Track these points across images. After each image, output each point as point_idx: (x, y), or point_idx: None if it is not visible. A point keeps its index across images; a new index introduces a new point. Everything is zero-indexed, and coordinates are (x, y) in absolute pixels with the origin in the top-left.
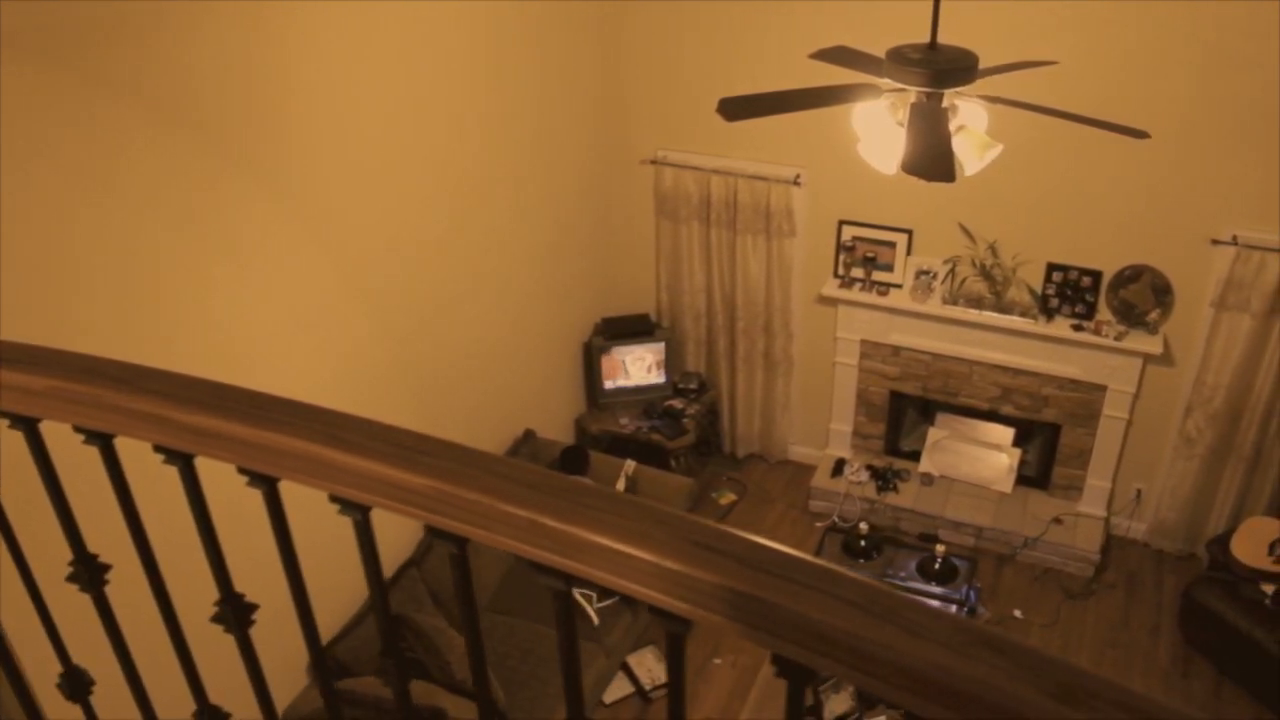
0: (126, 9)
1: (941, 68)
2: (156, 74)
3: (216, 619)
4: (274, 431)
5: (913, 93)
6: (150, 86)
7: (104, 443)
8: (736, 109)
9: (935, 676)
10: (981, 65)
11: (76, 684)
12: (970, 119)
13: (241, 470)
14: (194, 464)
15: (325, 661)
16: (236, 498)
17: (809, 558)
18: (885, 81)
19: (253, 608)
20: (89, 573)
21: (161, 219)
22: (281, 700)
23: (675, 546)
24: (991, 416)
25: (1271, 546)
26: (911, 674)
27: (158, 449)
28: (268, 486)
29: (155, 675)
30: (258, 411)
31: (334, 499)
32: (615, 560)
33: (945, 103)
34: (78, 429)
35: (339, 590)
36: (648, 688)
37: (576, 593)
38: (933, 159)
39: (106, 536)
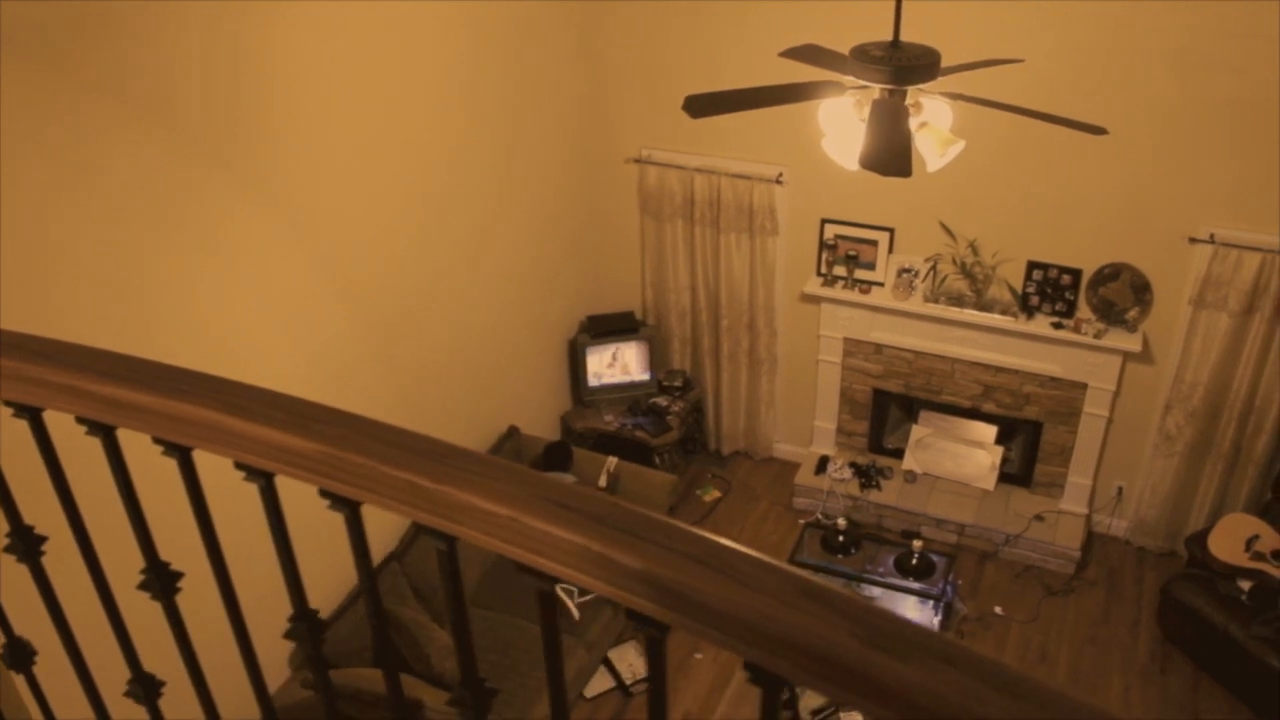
0: (108, 9)
1: (903, 65)
2: (138, 73)
3: (142, 586)
4: (181, 401)
5: (876, 89)
6: (132, 86)
7: (32, 416)
8: (702, 106)
9: (764, 626)
10: (954, 64)
11: (18, 655)
12: (934, 116)
13: (156, 440)
14: (115, 436)
15: (319, 639)
16: (236, 490)
17: (658, 516)
18: (850, 79)
19: (177, 575)
20: (26, 545)
21: (144, 216)
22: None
23: (535, 505)
24: (974, 414)
25: (1248, 543)
26: (743, 623)
27: (79, 420)
28: (181, 456)
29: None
30: (167, 382)
31: (239, 466)
32: (484, 519)
33: (910, 100)
34: (7, 403)
35: (321, 583)
36: (629, 682)
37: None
38: (891, 155)
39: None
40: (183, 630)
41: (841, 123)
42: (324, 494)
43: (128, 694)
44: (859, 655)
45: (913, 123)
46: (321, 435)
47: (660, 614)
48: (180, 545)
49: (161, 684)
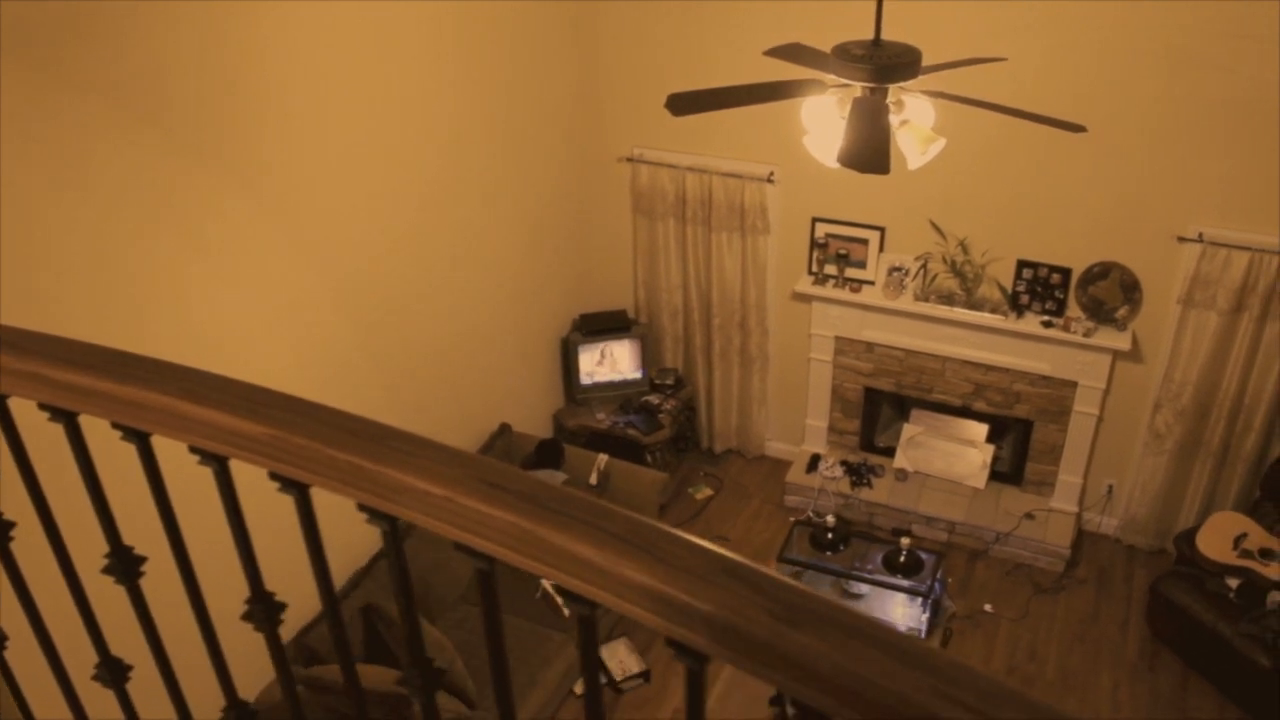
0: (99, 8)
1: (884, 63)
2: (129, 71)
3: (106, 570)
4: (138, 387)
5: (858, 88)
6: (123, 84)
7: None
8: (684, 104)
9: (682, 602)
10: (939, 62)
11: None
12: (916, 114)
13: (114, 425)
14: (77, 422)
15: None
16: (266, 500)
17: (587, 497)
18: (831, 77)
19: (140, 560)
20: None
21: (135, 214)
22: (251, 689)
23: (469, 485)
24: (965, 413)
25: (1236, 541)
26: (663, 599)
27: (42, 407)
28: (140, 441)
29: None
30: (124, 369)
31: (193, 450)
32: (422, 500)
33: (892, 98)
34: None
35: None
36: (619, 679)
37: (547, 584)
38: (869, 152)
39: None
40: (147, 614)
41: (823, 120)
42: (273, 476)
43: (95, 678)
44: (771, 629)
45: (894, 120)
46: (268, 419)
47: (587, 590)
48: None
49: (129, 668)
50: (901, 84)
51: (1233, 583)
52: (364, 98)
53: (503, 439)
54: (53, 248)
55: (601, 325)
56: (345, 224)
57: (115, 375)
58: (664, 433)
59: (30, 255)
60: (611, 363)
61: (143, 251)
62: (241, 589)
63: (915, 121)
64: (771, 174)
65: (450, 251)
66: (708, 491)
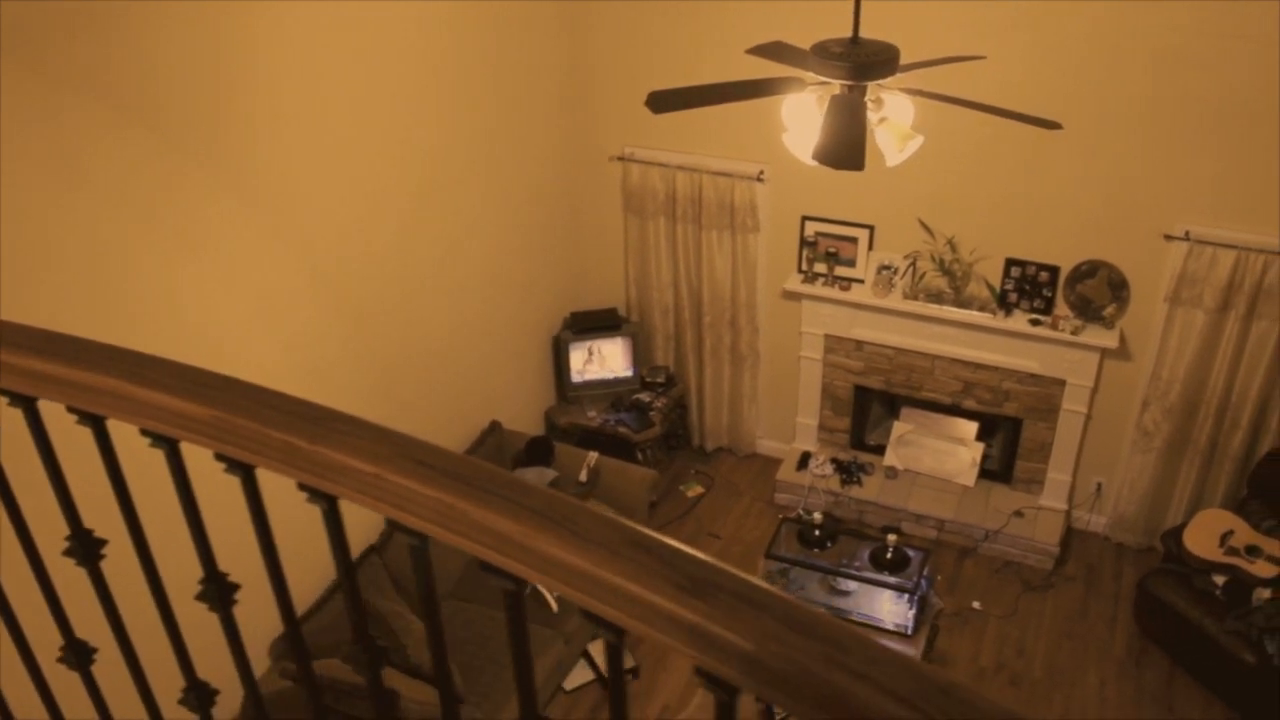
0: (89, 8)
1: (862, 61)
2: (120, 71)
3: (67, 553)
4: (88, 371)
5: (837, 85)
6: (113, 83)
7: None
8: (664, 102)
9: (595, 575)
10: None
11: None
12: (895, 112)
13: (70, 410)
14: (36, 407)
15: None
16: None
17: (509, 474)
18: (811, 75)
19: (102, 542)
20: None
21: (126, 213)
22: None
23: (398, 463)
24: (954, 411)
25: (1223, 539)
26: (576, 572)
27: (1, 392)
28: (95, 425)
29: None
30: (78, 354)
31: (144, 432)
32: (355, 477)
33: (871, 96)
34: None
35: (303, 574)
36: (609, 675)
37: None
38: (844, 148)
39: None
40: (108, 596)
41: (803, 118)
42: (219, 457)
43: (61, 660)
44: (676, 599)
45: (873, 118)
46: (211, 400)
47: (506, 564)
48: (154, 527)
49: (93, 650)
50: (880, 82)
51: (1219, 580)
52: (355, 96)
53: (493, 436)
54: (45, 247)
55: (593, 323)
56: (336, 222)
57: (67, 359)
58: (654, 430)
59: (23, 254)
60: (602, 360)
61: (135, 250)
62: (234, 578)
63: (894, 119)
64: (761, 173)
65: (441, 250)
66: (699, 489)
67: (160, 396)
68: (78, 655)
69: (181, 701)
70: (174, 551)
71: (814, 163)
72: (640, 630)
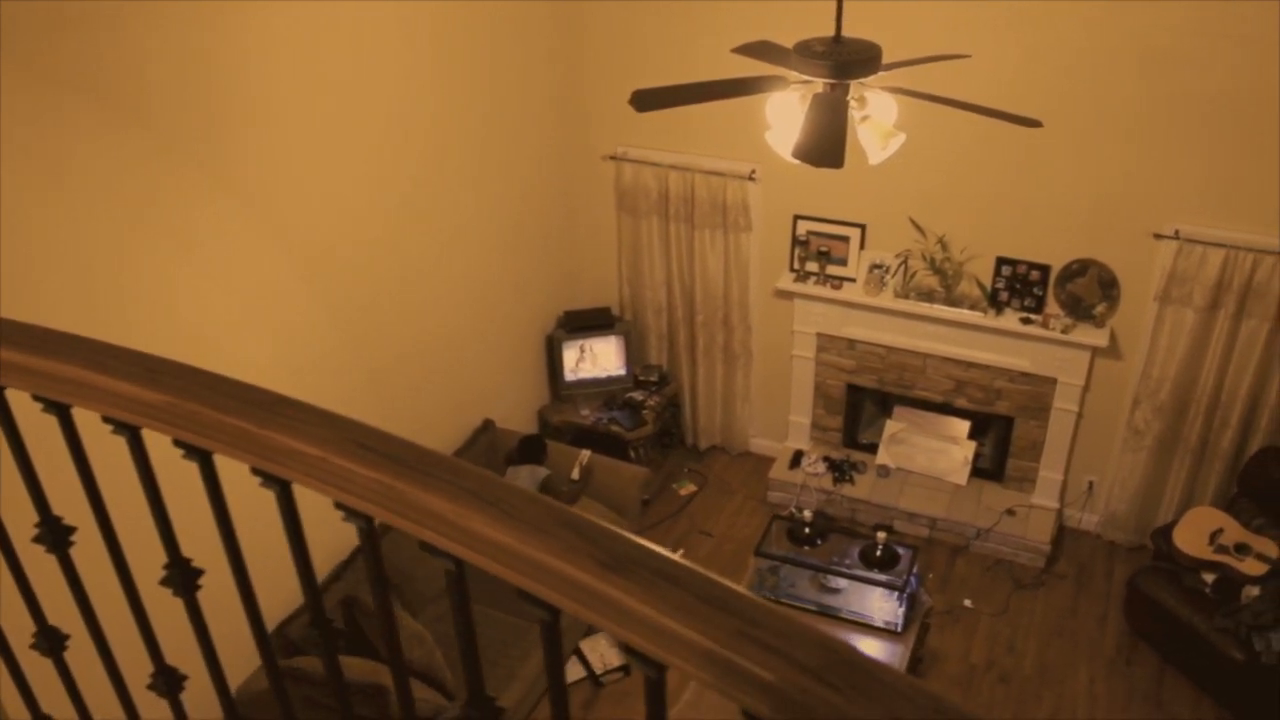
0: (79, 7)
1: (844, 60)
2: (110, 70)
3: (37, 540)
4: (54, 360)
5: (819, 84)
6: (104, 82)
7: None
8: (648, 100)
9: (521, 551)
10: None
11: None
12: (879, 110)
13: (35, 398)
14: (4, 396)
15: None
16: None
17: (448, 457)
18: (795, 73)
19: (71, 530)
20: None
21: (117, 212)
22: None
23: (342, 446)
24: (946, 409)
25: (1212, 537)
26: (506, 550)
27: None
28: (60, 413)
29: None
30: (43, 344)
31: (106, 420)
32: (302, 461)
33: (855, 94)
34: None
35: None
36: (600, 672)
37: None
38: (824, 146)
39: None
40: (79, 585)
41: (787, 116)
42: (177, 444)
43: (34, 646)
44: (598, 575)
45: (855, 116)
46: (167, 387)
47: (444, 544)
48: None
49: (66, 637)
50: (862, 80)
51: (1208, 578)
52: (346, 95)
53: (486, 435)
54: (36, 246)
55: (586, 322)
56: (329, 221)
57: (33, 349)
58: (647, 429)
59: (13, 253)
60: (595, 359)
61: (126, 248)
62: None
63: (877, 117)
64: (753, 172)
65: (434, 249)
66: (691, 487)
67: (120, 384)
68: (50, 641)
69: (150, 686)
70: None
71: (795, 160)
72: (569, 607)
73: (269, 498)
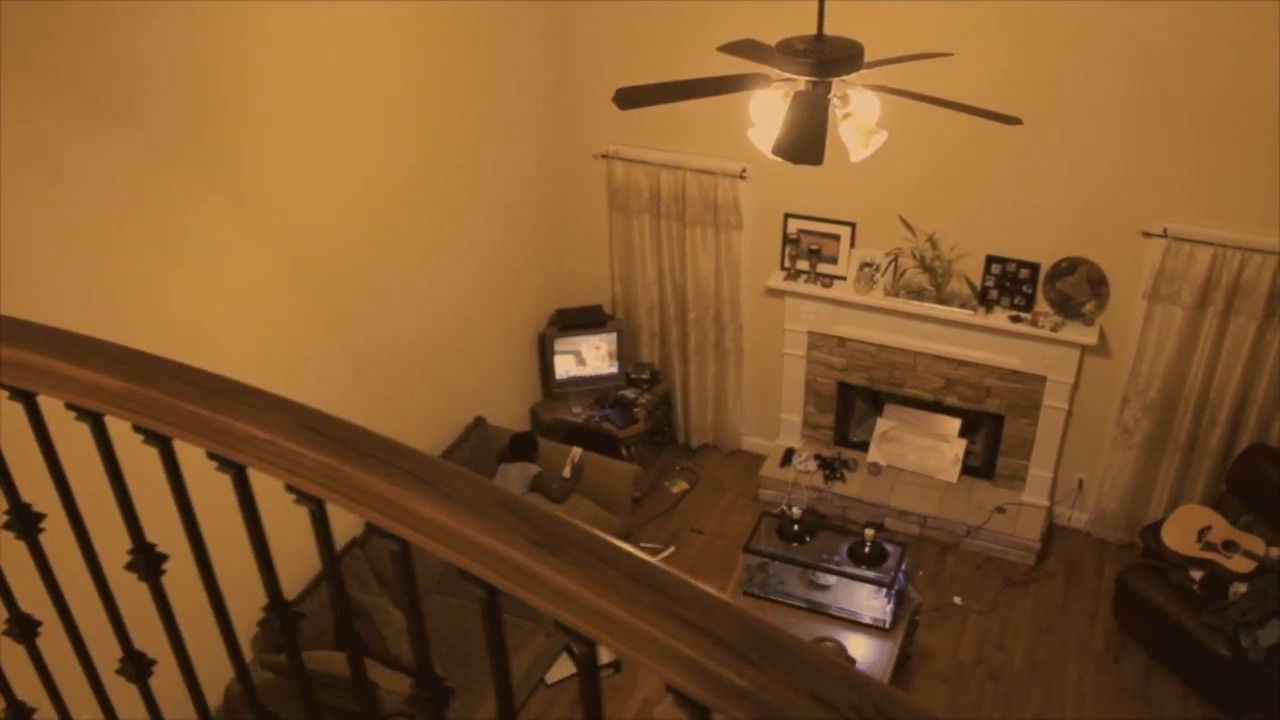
0: (71, 8)
1: (825, 58)
2: (101, 70)
3: (6, 526)
4: (17, 348)
5: (801, 81)
6: (96, 82)
7: None
8: (632, 98)
9: (459, 531)
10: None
11: None
12: (862, 108)
13: (1, 385)
14: None
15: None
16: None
17: (391, 439)
18: (778, 71)
19: (40, 516)
20: None
21: (108, 211)
22: (225, 674)
23: (291, 430)
24: (937, 407)
25: (1200, 534)
26: (445, 530)
27: None
28: (26, 401)
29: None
30: (9, 332)
31: (69, 407)
32: (254, 445)
33: (837, 92)
34: None
35: (290, 567)
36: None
37: None
38: (803, 143)
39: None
40: (48, 570)
41: (770, 114)
42: (137, 429)
43: (6, 632)
44: (530, 554)
45: (838, 114)
46: (125, 374)
47: (388, 525)
48: (156, 524)
49: (38, 623)
50: (844, 78)
51: (1196, 575)
52: (338, 94)
53: (477, 432)
54: (27, 244)
55: (578, 320)
56: (320, 220)
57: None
58: (638, 426)
59: (5, 252)
60: (586, 357)
61: (118, 246)
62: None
63: (859, 115)
64: (744, 170)
65: (426, 247)
66: (683, 485)
67: (81, 371)
68: (22, 629)
69: (119, 671)
70: (158, 533)
71: (775, 157)
72: (504, 585)
73: (262, 488)
